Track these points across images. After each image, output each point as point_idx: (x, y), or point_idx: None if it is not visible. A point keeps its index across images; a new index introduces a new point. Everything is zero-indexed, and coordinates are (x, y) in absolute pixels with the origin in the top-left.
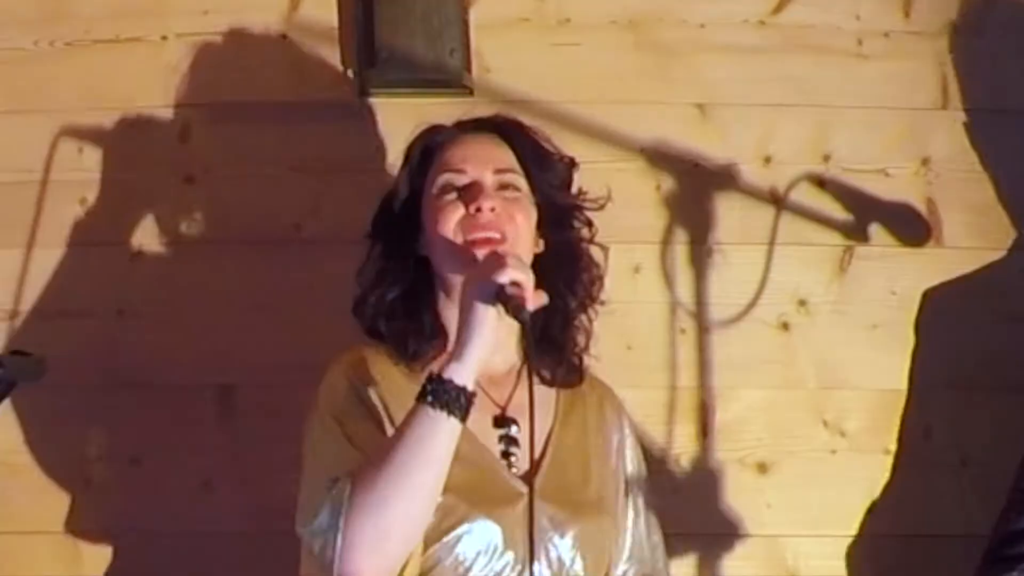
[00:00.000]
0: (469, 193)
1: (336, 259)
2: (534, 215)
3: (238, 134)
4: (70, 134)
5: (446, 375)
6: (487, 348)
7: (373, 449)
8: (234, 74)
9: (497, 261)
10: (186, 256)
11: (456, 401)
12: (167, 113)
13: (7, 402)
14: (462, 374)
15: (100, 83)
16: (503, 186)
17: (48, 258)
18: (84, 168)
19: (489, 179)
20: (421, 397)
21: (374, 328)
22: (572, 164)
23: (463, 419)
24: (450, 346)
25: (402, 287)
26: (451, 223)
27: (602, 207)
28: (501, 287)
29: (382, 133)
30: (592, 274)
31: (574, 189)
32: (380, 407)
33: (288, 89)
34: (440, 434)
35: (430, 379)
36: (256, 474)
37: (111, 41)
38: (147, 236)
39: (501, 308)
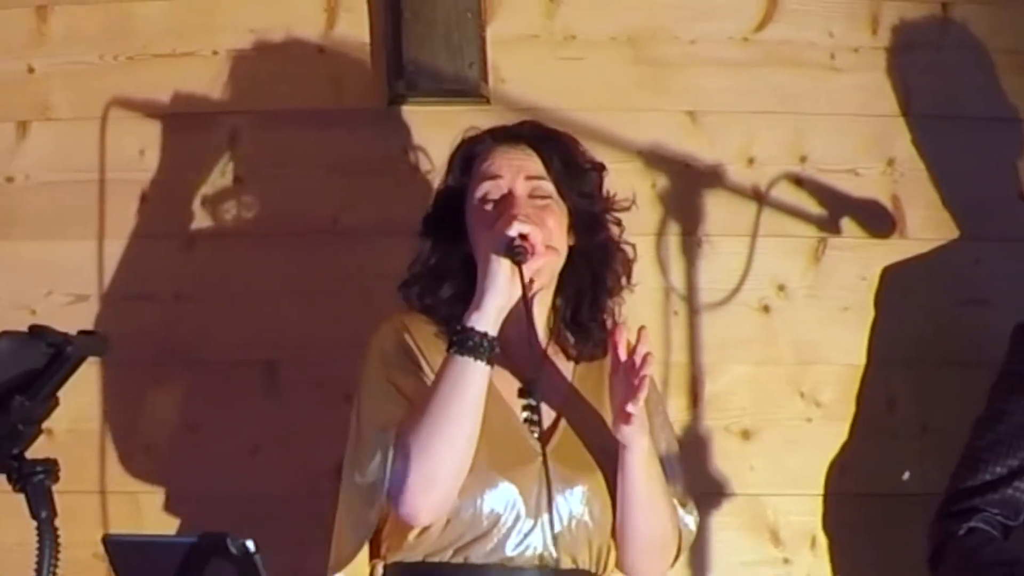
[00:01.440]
0: (504, 204)
1: (368, 248)
2: (564, 217)
3: (281, 138)
4: (132, 138)
5: (469, 324)
6: (503, 296)
7: (418, 398)
8: (277, 85)
9: (508, 219)
10: (235, 246)
11: (480, 346)
12: (217, 119)
13: (77, 375)
14: (483, 321)
15: (158, 93)
16: (533, 193)
17: (114, 248)
18: (145, 168)
19: (521, 187)
20: (450, 347)
21: (423, 302)
22: (602, 169)
23: (489, 362)
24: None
25: (453, 288)
26: (487, 226)
27: (628, 208)
28: (511, 239)
29: (409, 137)
30: (624, 267)
31: (606, 191)
32: (422, 361)
33: (325, 98)
34: (470, 378)
35: (455, 331)
36: (299, 440)
37: (167, 56)
38: (200, 228)
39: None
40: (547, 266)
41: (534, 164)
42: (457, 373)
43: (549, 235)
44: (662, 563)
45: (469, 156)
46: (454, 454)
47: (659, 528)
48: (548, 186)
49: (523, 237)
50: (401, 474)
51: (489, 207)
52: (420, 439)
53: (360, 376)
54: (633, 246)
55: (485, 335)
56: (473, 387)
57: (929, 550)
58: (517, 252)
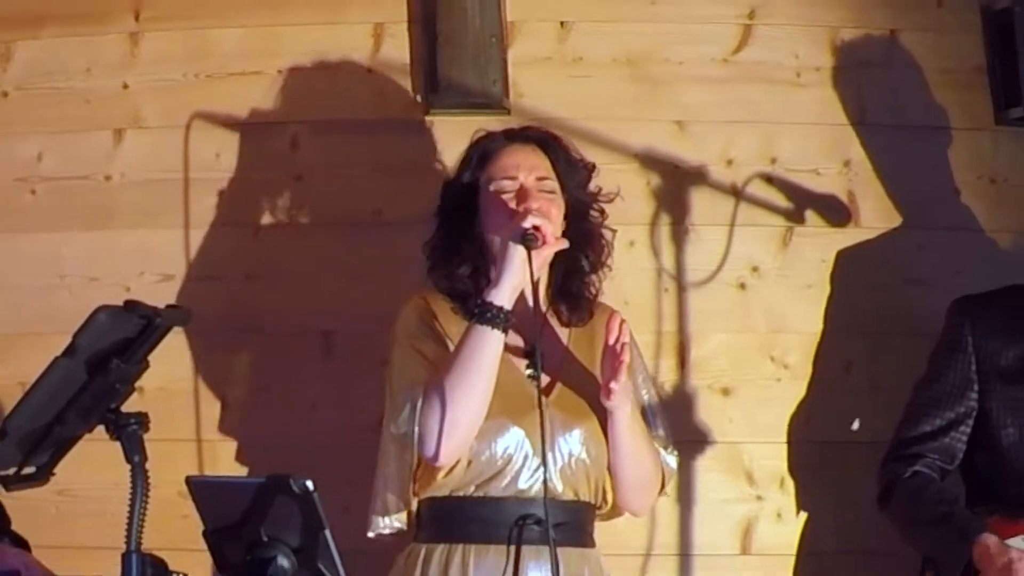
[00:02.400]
0: (519, 196)
1: (407, 237)
2: (563, 207)
3: (334, 143)
4: (210, 143)
5: (488, 299)
6: (518, 277)
7: (439, 362)
8: (331, 98)
9: (524, 212)
10: (295, 234)
11: (497, 317)
12: (281, 127)
13: (164, 342)
14: (500, 297)
15: (232, 105)
16: (542, 188)
17: (195, 236)
18: (220, 169)
19: (531, 183)
20: (472, 318)
21: (442, 284)
22: (592, 168)
23: (504, 330)
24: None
25: (470, 267)
26: (506, 215)
27: (611, 201)
28: (526, 229)
29: (441, 142)
30: (604, 248)
31: (593, 187)
32: (441, 331)
33: (371, 110)
34: (488, 343)
35: (477, 304)
36: (350, 399)
37: (239, 74)
38: (267, 219)
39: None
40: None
41: (543, 163)
42: (477, 339)
43: (555, 226)
44: (649, 497)
45: (484, 152)
46: (471, 406)
47: (644, 471)
48: (554, 183)
49: (536, 228)
50: (426, 423)
51: (505, 198)
52: (443, 394)
53: (391, 345)
54: (614, 231)
55: (501, 308)
56: (490, 351)
57: (878, 490)
58: (530, 240)
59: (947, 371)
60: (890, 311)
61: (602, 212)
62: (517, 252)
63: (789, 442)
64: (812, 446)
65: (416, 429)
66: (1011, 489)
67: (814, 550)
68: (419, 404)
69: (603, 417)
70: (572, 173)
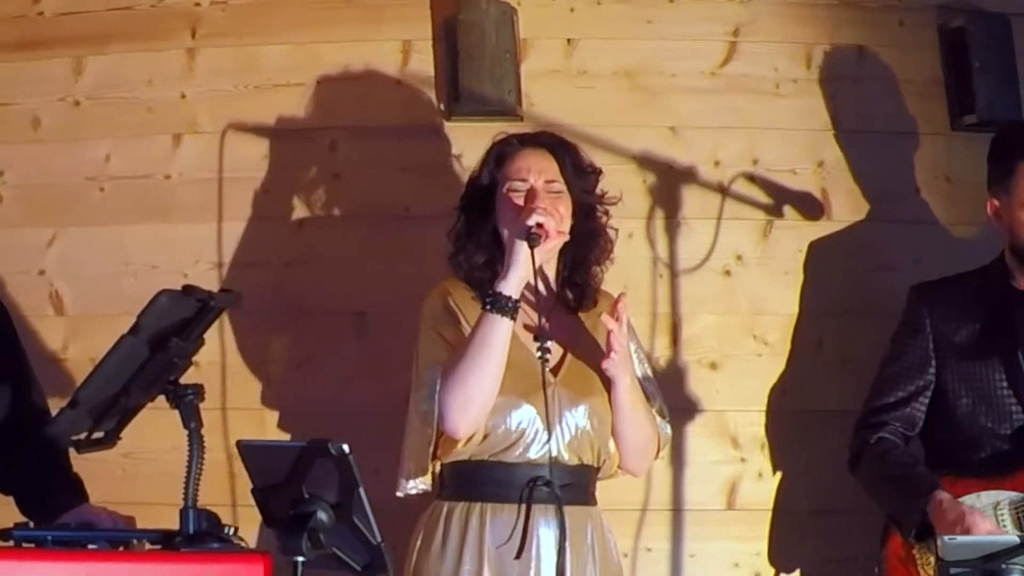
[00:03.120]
0: (528, 196)
1: (432, 230)
2: (570, 206)
3: (368, 146)
4: (258, 146)
5: (498, 289)
6: (524, 270)
7: (458, 344)
8: (365, 107)
9: (529, 210)
10: (333, 226)
11: (506, 306)
12: (321, 132)
13: (217, 322)
14: (508, 288)
15: (276, 112)
16: (550, 189)
17: (243, 229)
18: (267, 169)
19: (541, 185)
20: (484, 307)
21: (460, 269)
22: (598, 172)
23: (513, 317)
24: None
25: (485, 255)
26: (515, 212)
27: (615, 204)
28: (529, 228)
29: (462, 146)
30: (608, 245)
31: (599, 190)
32: (461, 317)
33: (401, 116)
34: (498, 330)
35: (488, 294)
36: (381, 373)
37: (284, 85)
38: (307, 213)
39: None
40: (556, 245)
41: (552, 166)
42: (488, 326)
43: (560, 221)
44: (647, 459)
45: (501, 155)
46: (484, 385)
47: (643, 435)
48: (560, 185)
49: (539, 226)
50: (445, 400)
51: (516, 198)
52: (458, 374)
53: (417, 329)
54: (616, 230)
55: (510, 298)
56: (499, 336)
57: (850, 455)
58: (533, 239)
59: (908, 349)
60: (858, 295)
61: (606, 212)
62: (522, 248)
63: (769, 411)
64: (789, 414)
65: (436, 407)
66: (965, 453)
67: (790, 507)
68: (438, 384)
69: (609, 391)
70: (579, 176)
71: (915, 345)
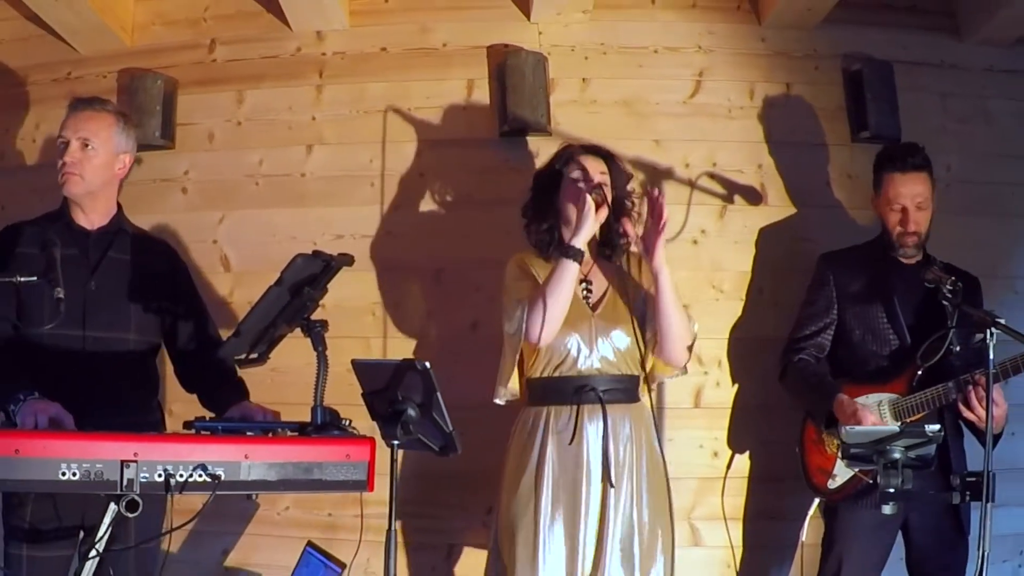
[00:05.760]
0: (586, 181)
1: (489, 211)
2: (611, 194)
3: (444, 153)
4: (369, 152)
5: (571, 242)
6: (591, 229)
7: (532, 291)
8: (442, 125)
9: (594, 184)
10: (418, 209)
11: (578, 254)
12: (410, 145)
13: (337, 276)
14: (579, 241)
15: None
16: (601, 181)
17: (357, 211)
18: (374, 168)
19: (596, 176)
20: (561, 255)
21: (531, 235)
22: (630, 176)
23: (580, 262)
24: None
25: (548, 224)
26: (578, 192)
27: (641, 198)
28: (595, 185)
29: (509, 153)
30: (631, 221)
31: (629, 187)
32: (533, 272)
33: (467, 132)
34: (570, 272)
35: (563, 246)
36: (453, 312)
37: (383, 111)
38: (400, 199)
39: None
40: (603, 216)
41: (602, 167)
42: (562, 268)
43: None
44: (684, 350)
45: (570, 155)
46: (559, 307)
47: (682, 324)
48: (607, 179)
49: (601, 187)
50: (532, 318)
51: (580, 184)
52: (544, 298)
53: (503, 282)
54: (639, 213)
55: (580, 250)
56: (570, 275)
57: (779, 370)
58: (599, 193)
59: (818, 298)
60: (786, 258)
61: (633, 203)
62: (590, 213)
63: (727, 339)
64: (738, 341)
65: (524, 325)
66: (857, 368)
67: (740, 405)
68: (526, 308)
69: (638, 322)
70: (618, 176)
71: (823, 295)
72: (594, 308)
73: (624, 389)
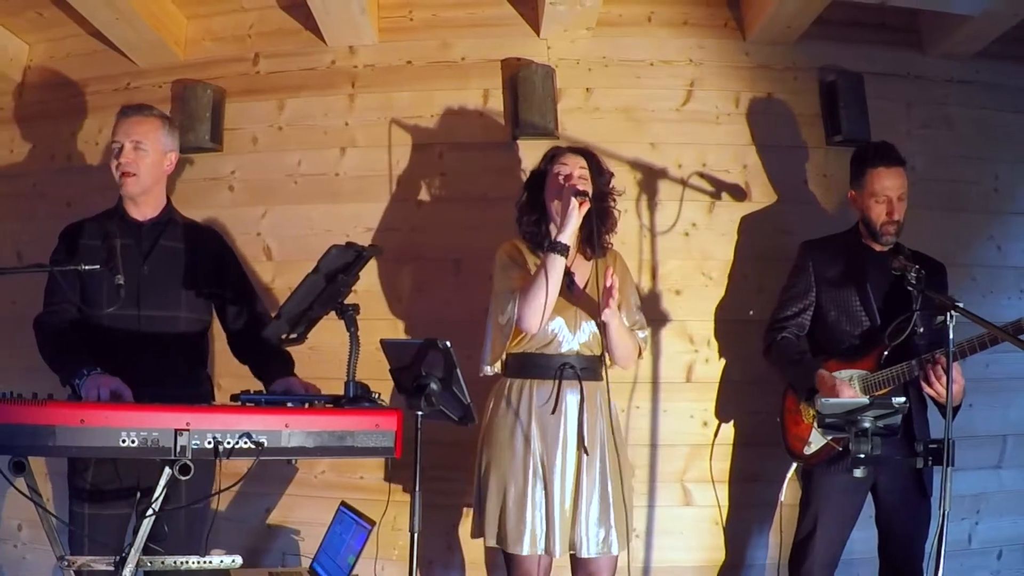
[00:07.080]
0: (567, 178)
1: (501, 207)
2: (591, 192)
3: (463, 155)
4: (394, 155)
5: (557, 238)
6: (576, 225)
7: (522, 279)
8: (461, 130)
9: (575, 182)
10: (440, 205)
11: (564, 249)
12: (433, 146)
13: (368, 265)
14: (564, 237)
15: (405, 135)
16: (581, 176)
17: (384, 208)
18: (399, 169)
19: (577, 173)
20: (548, 250)
21: (521, 228)
22: (611, 174)
23: (565, 256)
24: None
25: (536, 216)
26: (560, 187)
27: (620, 195)
28: (579, 190)
29: (521, 155)
30: (613, 220)
31: (611, 186)
32: (523, 261)
33: (483, 136)
34: (557, 265)
35: (550, 242)
36: (468, 298)
37: (409, 117)
38: (426, 197)
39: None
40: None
41: (582, 163)
42: (551, 262)
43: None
44: (631, 361)
45: (554, 155)
46: (548, 300)
47: (627, 349)
48: (588, 174)
49: (584, 192)
50: (524, 307)
51: (561, 179)
52: (532, 292)
53: (494, 270)
54: (620, 211)
55: (566, 245)
56: (557, 269)
57: (763, 347)
58: (582, 195)
59: (799, 282)
60: (770, 247)
61: (614, 200)
62: (574, 212)
63: (714, 320)
64: (726, 322)
65: (516, 312)
66: (833, 346)
67: (727, 379)
68: (518, 300)
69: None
70: (599, 174)
71: (803, 279)
72: (578, 297)
73: (593, 368)
